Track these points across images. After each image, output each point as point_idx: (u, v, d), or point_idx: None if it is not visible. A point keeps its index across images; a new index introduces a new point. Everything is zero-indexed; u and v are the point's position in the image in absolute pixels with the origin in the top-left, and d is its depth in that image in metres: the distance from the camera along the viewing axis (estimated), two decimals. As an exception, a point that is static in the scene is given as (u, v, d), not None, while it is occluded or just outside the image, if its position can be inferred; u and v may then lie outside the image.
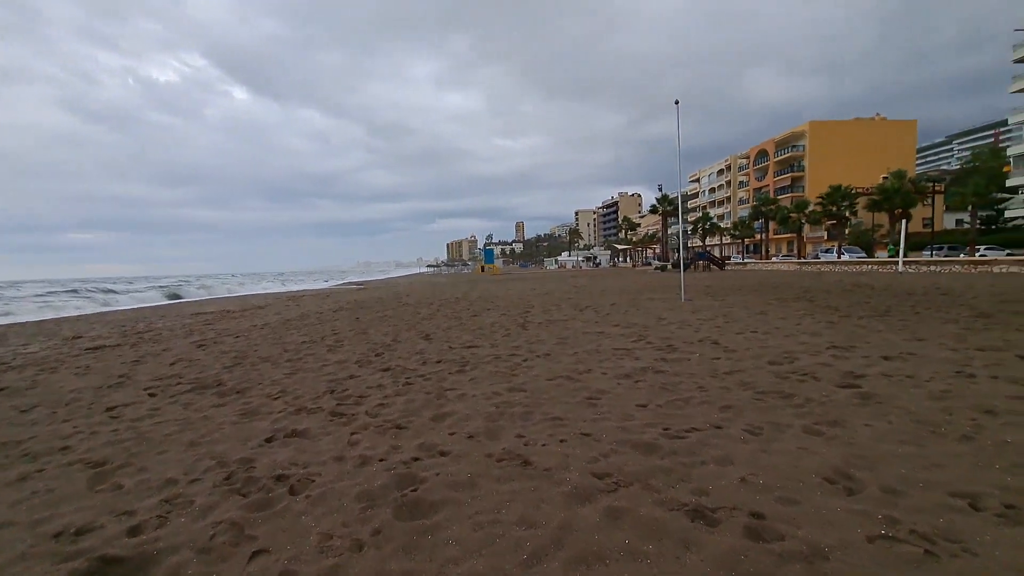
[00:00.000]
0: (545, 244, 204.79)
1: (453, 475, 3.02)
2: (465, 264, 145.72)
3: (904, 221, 27.55)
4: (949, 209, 59.31)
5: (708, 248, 69.07)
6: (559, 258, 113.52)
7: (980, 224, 46.90)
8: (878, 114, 78.68)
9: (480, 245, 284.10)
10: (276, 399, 5.12)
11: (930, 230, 54.48)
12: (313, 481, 3.05)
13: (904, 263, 25.55)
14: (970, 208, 35.13)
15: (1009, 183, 45.39)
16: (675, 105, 13.87)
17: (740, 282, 22.64)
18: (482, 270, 74.11)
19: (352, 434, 3.91)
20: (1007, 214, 49.58)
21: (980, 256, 30.57)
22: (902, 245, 25.93)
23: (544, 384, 5.19)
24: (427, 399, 4.81)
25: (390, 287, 35.31)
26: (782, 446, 3.22)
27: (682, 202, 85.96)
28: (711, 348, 6.80)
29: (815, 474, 2.78)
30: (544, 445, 3.42)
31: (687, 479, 2.80)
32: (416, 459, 3.32)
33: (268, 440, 3.86)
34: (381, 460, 3.32)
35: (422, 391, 5.17)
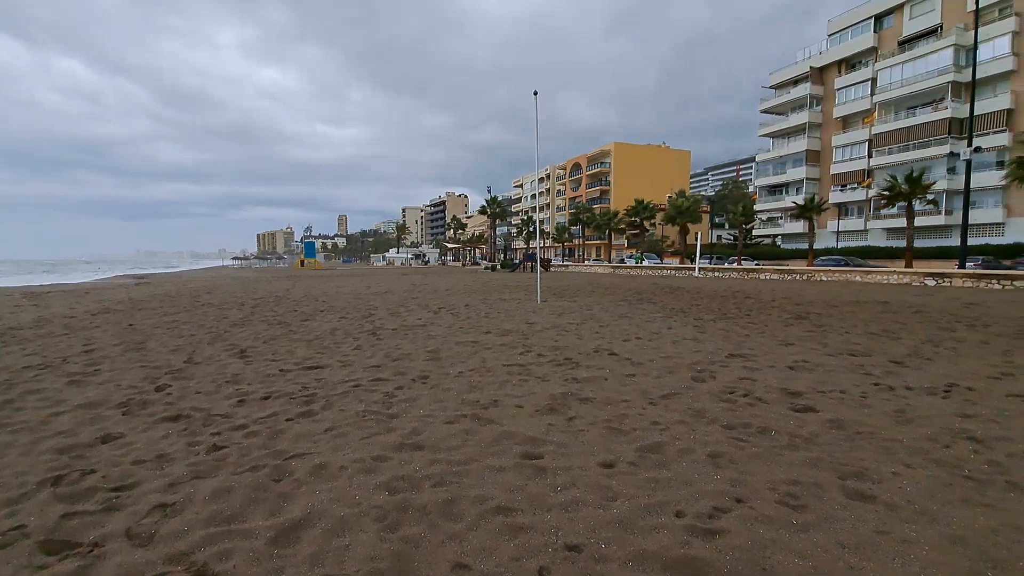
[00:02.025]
0: (371, 239, 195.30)
1: None
2: (280, 257, 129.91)
3: (699, 233, 32.37)
4: (713, 226, 72.54)
5: (533, 250, 73.01)
6: (387, 254, 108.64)
7: (735, 239, 58.41)
8: (664, 143, 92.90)
9: (298, 237, 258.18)
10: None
11: (702, 242, 66.57)
12: None
13: (700, 269, 29.80)
14: (739, 226, 43.00)
15: (756, 207, 57.33)
16: (533, 96, 13.23)
17: (572, 283, 23.52)
18: (301, 264, 66.44)
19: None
20: (754, 232, 62.62)
21: (742, 266, 37.79)
22: (698, 254, 30.31)
23: (444, 432, 3.58)
24: (254, 483, 2.80)
25: (183, 282, 28.57)
26: (855, 531, 2.24)
27: (507, 206, 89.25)
28: (614, 361, 5.93)
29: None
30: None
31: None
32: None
33: None
34: None
35: (244, 464, 3.11)
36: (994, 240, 36.08)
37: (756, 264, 39.02)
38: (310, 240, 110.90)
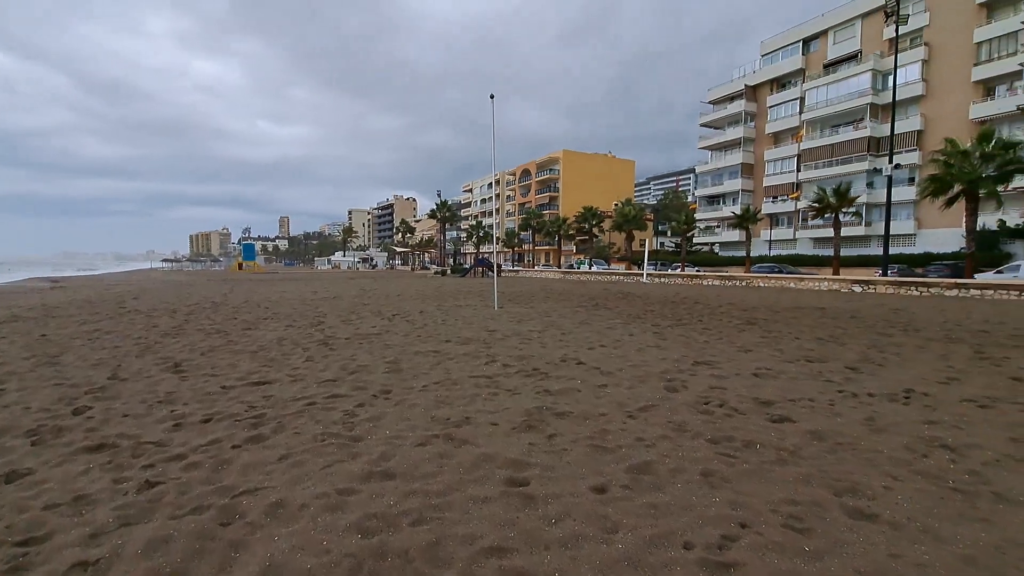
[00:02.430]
0: (315, 242, 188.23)
1: None
2: (216, 260, 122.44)
3: (646, 240, 33.37)
4: (657, 234, 75.06)
5: (484, 256, 72.71)
6: (332, 258, 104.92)
7: (677, 247, 60.82)
8: (610, 152, 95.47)
9: (235, 239, 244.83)
10: None
11: (645, 249, 68.83)
12: None
13: (648, 275, 30.66)
14: (681, 234, 44.70)
15: (697, 216, 59.89)
16: (490, 100, 13.05)
17: (526, 288, 23.47)
18: (240, 267, 62.86)
19: None
20: (695, 240, 65.39)
21: (685, 272, 39.41)
22: (645, 260, 31.21)
23: (416, 456, 3.27)
24: (198, 530, 2.38)
25: (107, 286, 26.14)
26: (868, 556, 2.15)
27: (457, 211, 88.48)
28: (583, 371, 5.79)
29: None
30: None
31: None
32: None
33: None
34: None
35: (183, 504, 2.67)
36: (907, 250, 39.41)
37: (697, 270, 40.76)
38: (249, 242, 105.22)
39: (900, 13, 22.41)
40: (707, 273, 30.57)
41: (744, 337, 8.38)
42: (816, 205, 28.49)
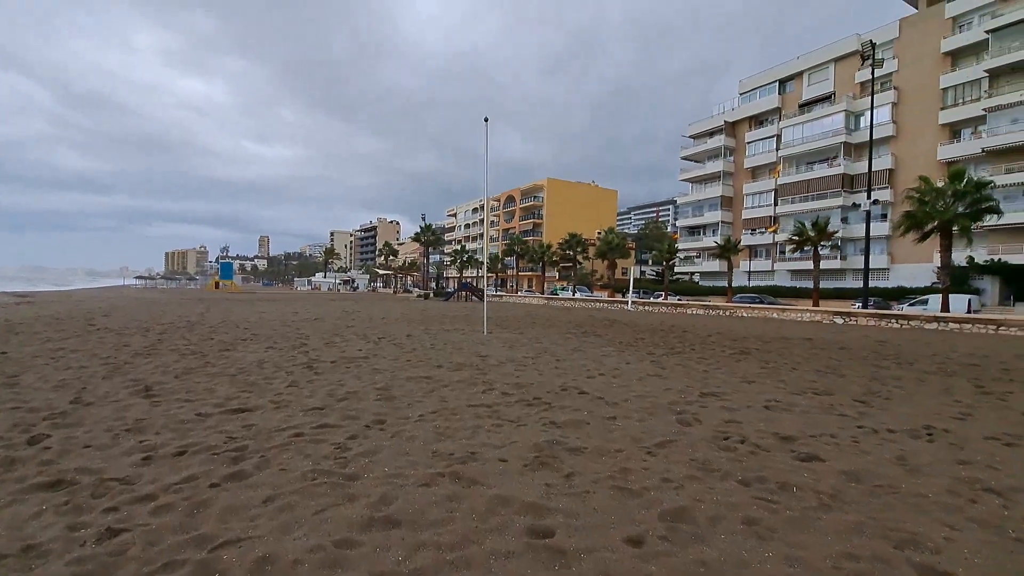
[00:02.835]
0: (295, 263, 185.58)
1: None
2: (192, 278, 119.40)
3: (632, 268, 33.60)
4: (638, 262, 75.81)
5: (469, 280, 72.42)
6: (313, 279, 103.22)
7: (658, 275, 61.51)
8: (593, 181, 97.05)
9: (213, 258, 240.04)
10: None
11: (630, 277, 69.52)
12: None
13: (632, 302, 30.70)
14: (664, 263, 45.24)
15: (678, 246, 60.88)
16: (484, 123, 13.00)
17: (511, 313, 23.18)
18: (216, 286, 61.24)
19: None
20: (676, 269, 66.30)
21: (668, 300, 39.75)
22: (631, 288, 31.32)
23: (422, 498, 2.92)
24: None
25: (76, 302, 24.99)
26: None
27: (441, 235, 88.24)
28: (587, 401, 5.50)
29: None
30: None
31: None
32: None
33: None
34: None
35: (153, 559, 2.28)
36: (881, 283, 40.45)
37: (679, 299, 41.13)
38: (227, 261, 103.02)
39: (875, 57, 23.41)
40: (691, 302, 30.77)
41: (743, 367, 8.21)
42: (796, 238, 29.08)
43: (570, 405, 5.27)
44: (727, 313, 26.00)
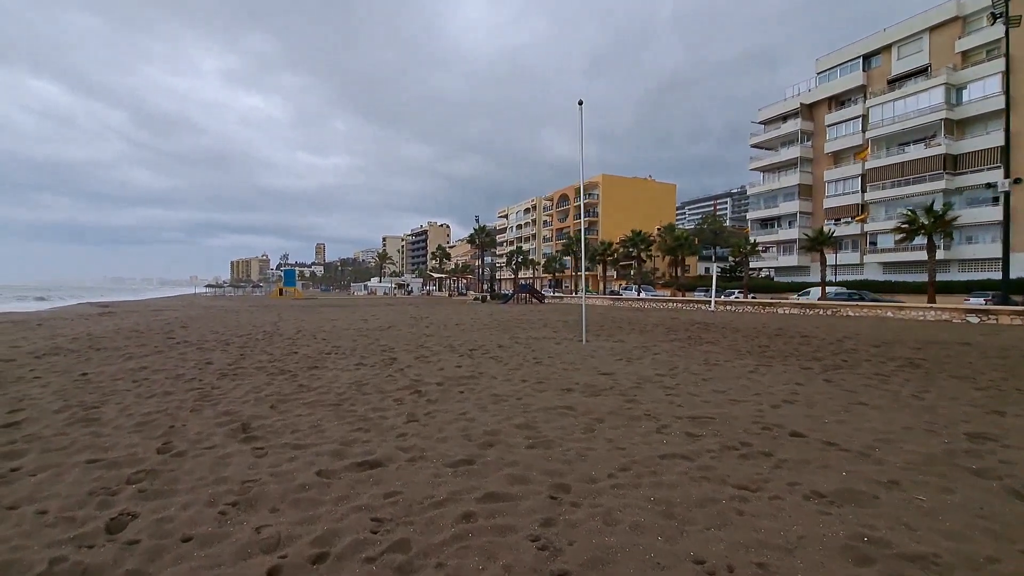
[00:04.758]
0: (350, 268, 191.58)
1: None
2: (256, 286, 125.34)
3: (715, 266, 31.16)
4: (701, 259, 72.00)
5: (526, 281, 71.34)
6: (369, 284, 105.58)
7: (727, 272, 57.79)
8: (650, 175, 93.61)
9: (273, 265, 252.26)
10: None
11: (691, 275, 65.90)
12: None
13: (715, 303, 28.38)
14: (742, 258, 41.99)
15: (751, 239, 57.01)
16: (578, 107, 11.63)
17: (588, 317, 21.59)
18: (280, 293, 63.26)
19: None
20: (752, 264, 62.19)
21: (735, 298, 36.71)
22: (713, 288, 28.95)
23: None
24: None
25: (153, 312, 25.72)
26: None
27: (492, 235, 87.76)
28: (817, 449, 3.98)
29: None
30: None
31: None
32: None
33: None
34: None
35: None
36: (995, 275, 35.79)
37: (753, 296, 38.03)
38: (290, 268, 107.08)
39: (1010, 15, 20.18)
40: (781, 300, 28.03)
41: (952, 388, 6.38)
42: (907, 227, 25.80)
43: (804, 457, 3.77)
44: (828, 312, 23.30)
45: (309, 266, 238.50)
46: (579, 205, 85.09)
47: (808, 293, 23.14)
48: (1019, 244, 35.68)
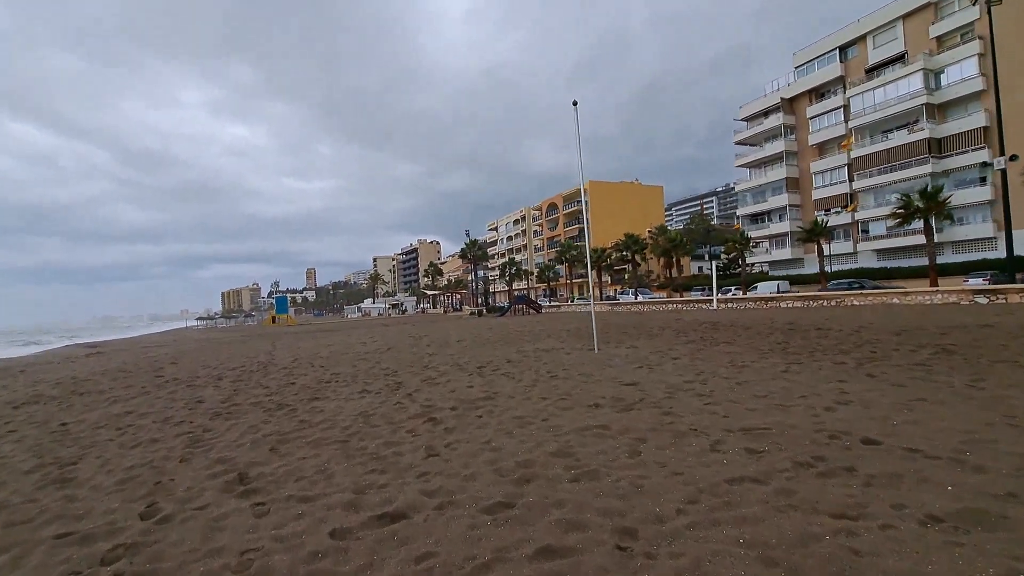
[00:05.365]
0: (341, 291, 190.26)
1: None
2: (249, 315, 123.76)
3: (713, 264, 30.85)
4: (693, 258, 71.84)
5: (522, 291, 70.83)
6: (362, 305, 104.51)
7: (721, 270, 57.64)
8: (636, 179, 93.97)
9: (265, 293, 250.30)
10: None
11: (686, 275, 65.64)
12: None
13: (717, 301, 28.02)
14: (739, 255, 41.83)
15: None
16: (573, 107, 11.25)
17: (588, 324, 21.07)
18: (273, 321, 62.26)
19: None
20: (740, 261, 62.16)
21: (733, 295, 36.43)
22: (714, 286, 28.62)
23: None
24: None
25: (143, 349, 24.87)
26: None
27: (484, 249, 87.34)
28: (902, 461, 3.48)
29: None
30: None
31: None
32: None
33: None
34: None
35: None
36: (990, 255, 35.86)
37: (741, 293, 37.85)
38: (282, 295, 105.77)
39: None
40: (784, 295, 27.72)
41: (1012, 375, 5.94)
42: (902, 211, 25.69)
43: (893, 471, 3.26)
44: (833, 303, 22.98)
45: (300, 292, 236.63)
46: (569, 212, 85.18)
47: (756, 288, 22.64)
48: (1017, 222, 35.80)
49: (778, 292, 30.11)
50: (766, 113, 52.88)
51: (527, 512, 3.04)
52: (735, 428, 4.45)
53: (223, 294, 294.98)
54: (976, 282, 26.86)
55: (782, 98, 50.88)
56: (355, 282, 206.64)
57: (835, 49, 46.64)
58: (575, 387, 7.02)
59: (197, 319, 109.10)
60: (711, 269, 29.42)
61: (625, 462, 3.81)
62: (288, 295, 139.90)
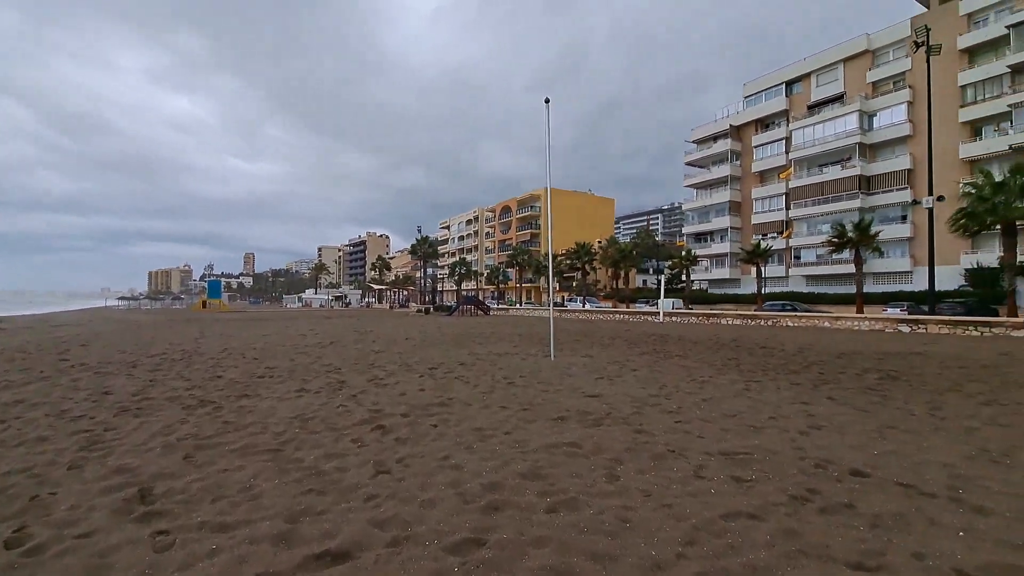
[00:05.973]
0: (282, 279, 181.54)
1: None
2: (177, 298, 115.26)
3: (662, 278, 31.59)
4: (639, 271, 73.91)
5: (470, 292, 69.99)
6: (303, 295, 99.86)
7: (665, 284, 59.59)
8: (589, 189, 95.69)
9: (197, 276, 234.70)
10: None
11: (632, 287, 67.41)
12: None
13: (663, 313, 28.63)
14: (684, 270, 43.23)
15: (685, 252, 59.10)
16: (545, 104, 10.90)
17: (540, 330, 20.86)
18: (204, 306, 58.08)
19: None
20: (682, 276, 64.46)
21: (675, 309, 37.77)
22: (662, 298, 29.26)
23: None
24: None
25: (51, 328, 22.17)
26: None
27: (435, 247, 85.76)
28: (904, 498, 3.30)
29: None
30: None
31: None
32: None
33: None
34: None
35: None
36: (906, 287, 38.99)
37: (690, 307, 39.26)
38: (215, 279, 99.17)
39: (931, 44, 21.88)
40: (724, 311, 28.75)
41: (964, 404, 6.08)
42: (836, 240, 27.31)
43: (895, 509, 3.05)
44: (769, 323, 24.01)
45: (237, 277, 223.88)
46: (522, 217, 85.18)
47: (655, 303, 23.40)
48: (923, 258, 39.12)
49: (672, 308, 31.66)
50: (715, 137, 55.22)
51: (501, 553, 2.55)
52: (714, 451, 4.17)
53: (151, 274, 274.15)
54: (894, 311, 29.02)
55: (731, 125, 53.31)
56: (297, 271, 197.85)
57: (782, 83, 49.42)
58: (536, 396, 6.61)
59: (119, 298, 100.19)
60: (659, 283, 30.16)
61: (604, 488, 3.41)
62: (223, 279, 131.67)
